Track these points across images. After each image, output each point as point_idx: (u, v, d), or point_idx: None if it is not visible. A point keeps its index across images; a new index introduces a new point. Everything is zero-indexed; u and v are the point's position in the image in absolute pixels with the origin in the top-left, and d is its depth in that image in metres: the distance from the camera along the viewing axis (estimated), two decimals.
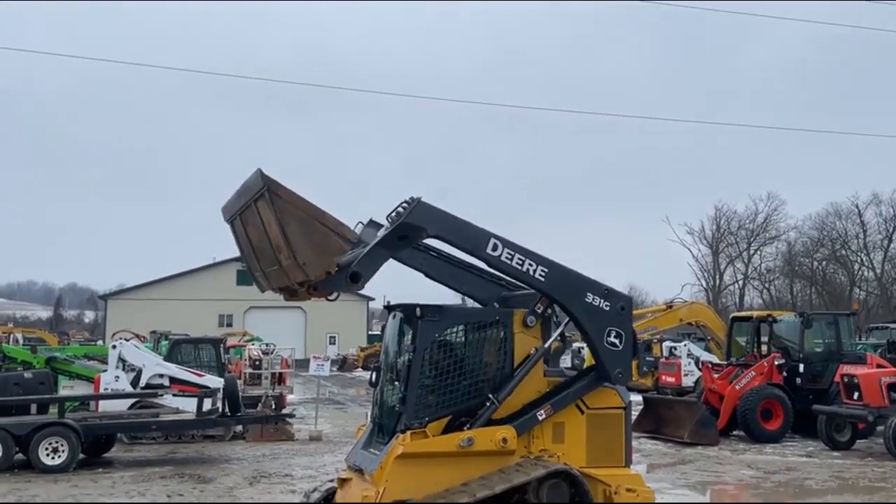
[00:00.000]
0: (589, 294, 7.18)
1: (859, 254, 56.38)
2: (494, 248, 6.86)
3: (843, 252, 56.80)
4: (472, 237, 6.90)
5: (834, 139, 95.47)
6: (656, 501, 5.90)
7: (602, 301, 7.21)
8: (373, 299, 52.03)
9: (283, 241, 6.41)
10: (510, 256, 6.89)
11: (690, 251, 63.09)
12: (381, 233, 7.03)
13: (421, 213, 6.69)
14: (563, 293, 7.14)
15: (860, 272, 56.88)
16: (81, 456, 12.48)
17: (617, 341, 7.22)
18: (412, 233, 6.79)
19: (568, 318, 7.41)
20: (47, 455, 11.94)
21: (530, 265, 6.96)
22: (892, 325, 25.78)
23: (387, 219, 6.98)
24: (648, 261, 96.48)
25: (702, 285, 62.24)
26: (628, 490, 7.25)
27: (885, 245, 54.57)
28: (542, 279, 7.00)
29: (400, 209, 6.75)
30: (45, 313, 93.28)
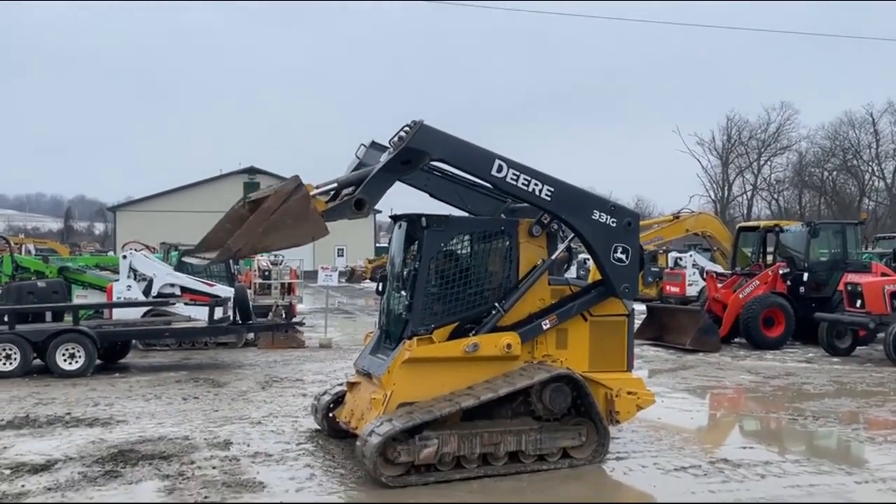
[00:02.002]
0: (595, 211, 7.19)
1: (871, 164, 55.75)
2: (499, 169, 6.79)
3: (855, 162, 56.15)
4: (476, 159, 6.82)
5: (852, 45, 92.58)
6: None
7: (608, 217, 7.22)
8: (380, 212, 52.25)
9: (283, 248, 6.76)
10: (515, 177, 6.84)
11: (700, 162, 62.69)
12: (383, 157, 6.94)
13: (424, 137, 6.58)
14: (570, 211, 7.14)
15: (870, 182, 56.41)
16: (98, 362, 12.84)
17: (623, 257, 7.27)
18: (415, 157, 6.70)
19: (574, 234, 7.44)
20: (64, 360, 12.28)
21: (536, 185, 6.92)
22: None
23: (389, 143, 6.90)
24: (657, 172, 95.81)
25: (710, 196, 62.06)
26: (629, 393, 7.47)
27: None
28: (549, 198, 6.98)
29: (402, 133, 6.64)
30: (54, 225, 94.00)
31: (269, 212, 6.40)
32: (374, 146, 8.05)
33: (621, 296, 7.43)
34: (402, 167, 6.80)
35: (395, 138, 6.74)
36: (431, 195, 8.35)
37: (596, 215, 7.19)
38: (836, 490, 6.53)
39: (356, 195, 6.59)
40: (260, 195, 7.40)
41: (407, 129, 6.64)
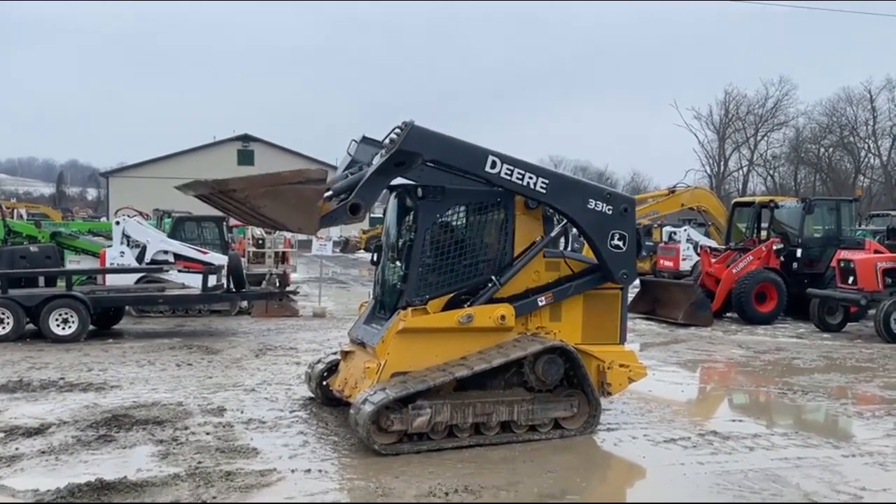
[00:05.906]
0: (591, 200, 7.22)
1: (867, 140, 55.70)
2: (493, 165, 6.78)
3: (851, 139, 56.08)
4: (469, 158, 6.80)
5: (853, 20, 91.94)
6: None
7: (604, 205, 7.24)
8: None
9: (268, 220, 6.45)
10: (510, 172, 6.84)
11: (697, 136, 62.63)
12: (376, 160, 6.89)
13: (415, 139, 6.53)
14: (566, 202, 7.17)
15: (866, 159, 56.42)
16: (91, 327, 12.84)
17: (620, 243, 7.29)
18: (408, 158, 6.65)
19: (570, 223, 7.45)
20: (58, 326, 12.28)
21: (531, 178, 6.92)
22: (893, 212, 25.86)
23: (381, 144, 6.86)
24: (653, 146, 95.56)
25: (706, 171, 62.04)
26: (621, 365, 7.53)
27: (893, 132, 53.82)
28: (544, 190, 7.01)
29: (394, 135, 6.61)
30: (46, 190, 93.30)
31: (281, 180, 6.30)
32: (366, 141, 7.98)
33: (619, 282, 7.47)
34: (396, 169, 6.77)
35: (387, 140, 6.72)
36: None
37: (592, 204, 7.21)
38: (823, 463, 6.61)
39: (351, 200, 6.58)
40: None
41: (398, 130, 6.60)
